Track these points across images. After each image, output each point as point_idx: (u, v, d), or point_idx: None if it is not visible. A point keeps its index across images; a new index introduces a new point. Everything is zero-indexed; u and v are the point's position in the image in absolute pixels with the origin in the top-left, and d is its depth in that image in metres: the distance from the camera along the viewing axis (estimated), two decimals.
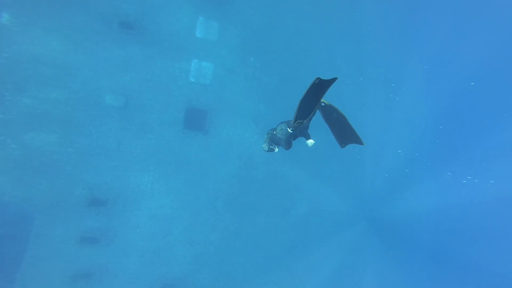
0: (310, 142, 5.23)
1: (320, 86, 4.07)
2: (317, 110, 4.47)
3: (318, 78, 3.93)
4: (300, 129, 4.93)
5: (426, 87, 14.15)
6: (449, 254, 15.06)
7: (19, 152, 8.83)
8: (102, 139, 9.60)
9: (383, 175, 14.58)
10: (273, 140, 5.48)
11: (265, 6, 11.71)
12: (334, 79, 3.99)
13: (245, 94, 11.68)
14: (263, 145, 5.60)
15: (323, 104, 4.63)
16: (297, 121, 4.32)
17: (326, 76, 4.09)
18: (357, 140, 4.77)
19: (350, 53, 13.26)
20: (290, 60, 12.33)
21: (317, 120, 5.03)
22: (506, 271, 14.51)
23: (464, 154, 14.54)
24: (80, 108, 9.17)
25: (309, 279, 13.62)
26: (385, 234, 14.99)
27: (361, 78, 13.39)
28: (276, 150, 5.58)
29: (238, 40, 11.49)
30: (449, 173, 14.65)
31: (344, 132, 4.87)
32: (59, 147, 9.06)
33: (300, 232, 13.32)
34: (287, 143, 5.22)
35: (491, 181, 14.30)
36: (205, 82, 11.01)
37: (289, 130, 5.01)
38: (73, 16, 8.96)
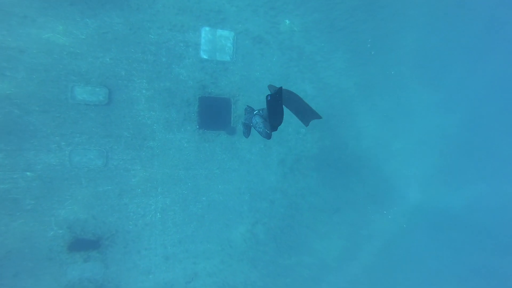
0: None
1: (275, 99, 4.09)
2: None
3: (268, 95, 4.03)
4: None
5: None
6: None
7: None
8: (77, 155, 6.45)
9: None
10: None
11: None
12: (280, 89, 4.02)
13: (282, 71, 8.12)
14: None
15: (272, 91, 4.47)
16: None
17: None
18: (315, 115, 4.89)
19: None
20: (341, 19, 8.58)
21: None
22: None
23: None
24: (33, 108, 6.07)
25: None
26: None
27: None
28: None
29: None
30: None
31: (302, 110, 4.99)
32: (9, 172, 6.01)
33: (381, 257, 9.43)
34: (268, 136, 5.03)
35: None
36: (224, 59, 7.59)
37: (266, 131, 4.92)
38: None
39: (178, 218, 7.65)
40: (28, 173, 6.21)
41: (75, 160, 6.46)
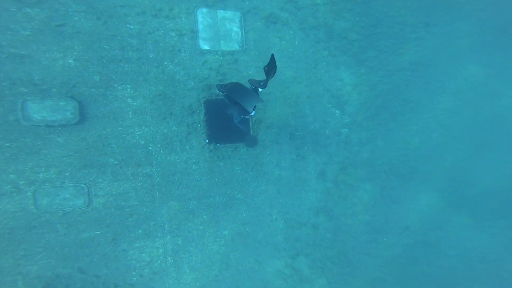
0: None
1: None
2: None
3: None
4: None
5: None
6: None
7: None
8: (46, 195, 4.80)
9: None
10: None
11: None
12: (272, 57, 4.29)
13: (309, 57, 6.22)
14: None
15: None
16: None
17: None
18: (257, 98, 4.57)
19: None
20: None
21: None
22: None
23: None
24: None
25: None
26: None
27: None
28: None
29: None
30: None
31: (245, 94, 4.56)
32: None
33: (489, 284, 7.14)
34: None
35: None
36: (232, 47, 5.79)
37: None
38: None
39: (196, 260, 5.86)
40: None
41: (43, 202, 4.80)
